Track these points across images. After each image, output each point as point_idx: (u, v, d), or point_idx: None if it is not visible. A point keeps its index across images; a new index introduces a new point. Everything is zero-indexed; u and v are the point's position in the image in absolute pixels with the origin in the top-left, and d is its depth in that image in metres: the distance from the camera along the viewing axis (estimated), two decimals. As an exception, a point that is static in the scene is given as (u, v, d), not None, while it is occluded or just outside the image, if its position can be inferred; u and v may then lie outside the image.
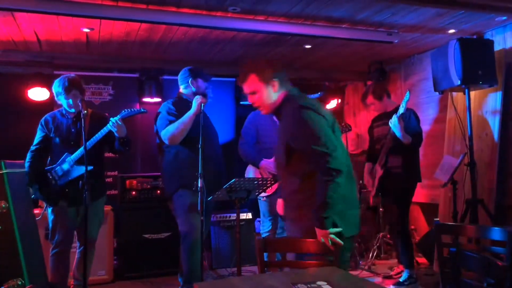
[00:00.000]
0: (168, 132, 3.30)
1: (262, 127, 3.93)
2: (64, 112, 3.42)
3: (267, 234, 3.87)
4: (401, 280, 3.90)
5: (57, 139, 3.36)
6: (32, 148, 3.39)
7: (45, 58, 4.65)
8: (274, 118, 3.89)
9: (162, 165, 3.50)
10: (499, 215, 3.89)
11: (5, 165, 2.74)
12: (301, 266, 2.10)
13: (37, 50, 4.55)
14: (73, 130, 3.38)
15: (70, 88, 3.29)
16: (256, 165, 3.84)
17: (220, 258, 4.69)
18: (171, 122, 3.32)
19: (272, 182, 3.37)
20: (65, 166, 3.28)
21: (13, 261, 2.69)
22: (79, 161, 3.25)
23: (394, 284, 3.89)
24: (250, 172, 3.94)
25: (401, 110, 3.71)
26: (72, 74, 3.45)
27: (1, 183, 2.70)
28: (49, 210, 3.33)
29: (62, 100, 3.34)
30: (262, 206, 3.90)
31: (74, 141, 3.35)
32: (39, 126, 3.43)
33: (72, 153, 3.30)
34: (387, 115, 4.09)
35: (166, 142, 3.32)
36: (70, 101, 3.30)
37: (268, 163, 3.81)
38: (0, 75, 4.79)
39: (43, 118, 3.46)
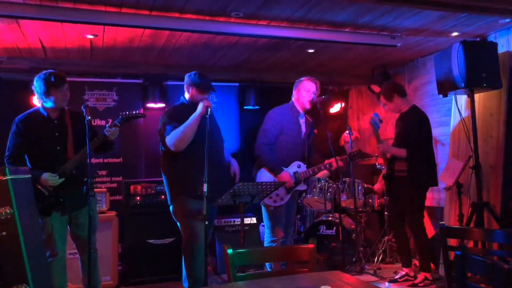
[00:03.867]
0: (172, 138, 3.21)
1: (286, 127, 3.75)
2: (44, 112, 3.17)
3: (274, 244, 3.79)
4: (417, 282, 3.90)
5: (39, 144, 3.10)
6: (10, 155, 3.10)
7: (50, 64, 4.65)
8: (302, 120, 3.85)
9: (164, 170, 3.47)
10: (505, 218, 3.86)
11: (9, 171, 2.75)
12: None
13: (42, 56, 4.58)
14: (56, 134, 3.16)
15: (63, 82, 3.10)
16: (275, 172, 3.67)
17: (224, 263, 4.68)
18: (174, 127, 3.24)
19: (275, 187, 3.35)
20: (58, 177, 3.07)
21: (18, 266, 2.70)
22: (75, 168, 3.12)
23: (409, 286, 3.90)
24: (263, 178, 3.76)
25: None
26: (50, 70, 3.17)
27: (5, 189, 2.71)
28: (40, 221, 3.11)
29: (50, 100, 3.10)
30: (271, 215, 3.76)
31: (60, 145, 3.14)
32: (15, 129, 3.11)
33: (57, 159, 3.10)
34: (402, 117, 4.11)
35: (172, 148, 3.22)
36: (60, 97, 3.09)
37: (290, 178, 3.65)
38: (5, 82, 4.82)
39: (18, 120, 3.13)
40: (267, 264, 3.83)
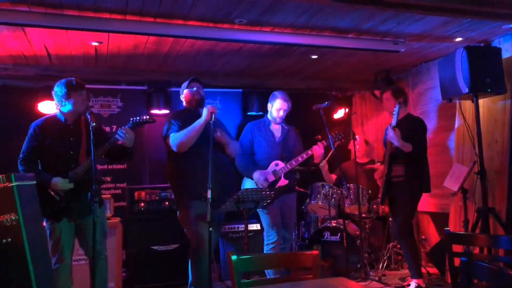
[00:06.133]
0: (176, 138, 3.30)
1: (258, 135, 3.98)
2: (61, 118, 3.26)
3: (273, 246, 3.85)
4: None
5: (53, 148, 3.17)
6: (24, 157, 3.16)
7: (55, 71, 4.70)
8: (275, 127, 3.94)
9: (170, 174, 3.49)
10: (511, 224, 3.83)
11: (15, 177, 2.76)
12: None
13: (47, 64, 4.62)
14: (71, 138, 3.23)
15: (82, 88, 3.22)
16: (249, 175, 3.89)
17: (229, 269, 4.67)
18: (179, 126, 3.34)
19: (279, 193, 3.37)
20: (68, 180, 3.12)
21: (22, 273, 2.70)
22: (84, 174, 3.16)
23: None
24: (247, 183, 3.97)
25: (393, 123, 3.83)
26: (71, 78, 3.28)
27: (11, 195, 2.72)
28: (48, 226, 3.16)
29: (69, 104, 3.20)
30: (265, 218, 3.89)
31: (73, 150, 3.21)
32: (32, 132, 3.20)
33: (69, 164, 3.16)
34: (400, 122, 4.07)
35: (174, 148, 3.30)
36: (79, 101, 3.20)
37: (260, 174, 3.84)
38: (11, 89, 4.86)
39: (36, 124, 3.23)
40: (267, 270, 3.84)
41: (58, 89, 3.22)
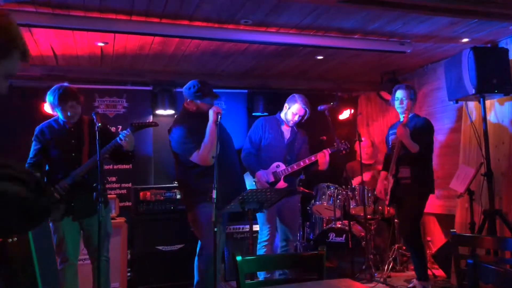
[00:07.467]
0: (201, 154, 3.20)
1: (268, 133, 3.95)
2: (61, 121, 3.28)
3: (266, 243, 3.84)
4: None
5: (56, 151, 3.22)
6: (29, 161, 3.23)
7: (61, 72, 4.73)
8: (286, 128, 3.93)
9: (181, 177, 3.47)
10: (518, 226, 3.80)
11: (20, 177, 2.77)
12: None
13: (53, 64, 4.64)
14: (73, 141, 3.25)
15: (66, 99, 3.16)
16: (252, 174, 3.89)
17: (233, 270, 4.66)
18: (197, 144, 3.21)
19: (283, 194, 3.35)
20: (70, 180, 3.14)
21: (28, 272, 2.71)
22: (87, 174, 3.17)
23: None
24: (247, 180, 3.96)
25: (403, 120, 3.77)
26: (65, 83, 3.27)
27: (17, 195, 2.73)
28: (52, 226, 3.20)
29: (59, 112, 3.21)
30: (260, 216, 3.88)
31: (75, 152, 3.23)
32: (35, 137, 3.27)
33: (72, 165, 3.18)
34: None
35: (202, 163, 3.21)
36: (69, 113, 3.18)
37: (262, 174, 3.84)
38: (17, 89, 4.88)
39: (38, 129, 3.28)
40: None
41: (48, 98, 3.22)
